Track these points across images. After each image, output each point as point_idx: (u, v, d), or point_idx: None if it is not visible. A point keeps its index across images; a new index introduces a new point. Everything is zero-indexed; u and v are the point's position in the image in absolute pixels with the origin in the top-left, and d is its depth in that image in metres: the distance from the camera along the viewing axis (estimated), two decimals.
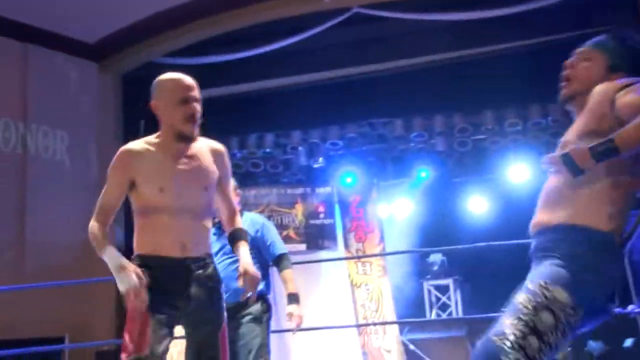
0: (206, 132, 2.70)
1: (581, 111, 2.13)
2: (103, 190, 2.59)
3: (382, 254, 7.73)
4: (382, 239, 7.79)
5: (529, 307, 1.91)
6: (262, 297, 3.76)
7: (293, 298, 3.73)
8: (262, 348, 3.62)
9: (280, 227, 7.26)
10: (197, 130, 2.60)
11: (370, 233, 7.76)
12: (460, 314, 7.75)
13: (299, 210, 7.60)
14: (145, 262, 2.51)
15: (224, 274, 3.72)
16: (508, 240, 4.48)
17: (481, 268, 7.51)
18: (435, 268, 7.96)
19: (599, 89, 2.06)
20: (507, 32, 6.56)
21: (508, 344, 1.87)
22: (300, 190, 7.76)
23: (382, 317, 7.38)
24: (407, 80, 7.07)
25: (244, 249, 2.72)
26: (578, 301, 1.92)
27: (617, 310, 2.14)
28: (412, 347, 7.22)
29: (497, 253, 6.47)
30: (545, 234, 2.08)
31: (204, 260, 2.61)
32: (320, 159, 8.25)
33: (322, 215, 7.65)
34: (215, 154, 2.69)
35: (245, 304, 3.70)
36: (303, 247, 7.47)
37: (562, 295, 1.91)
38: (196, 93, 2.58)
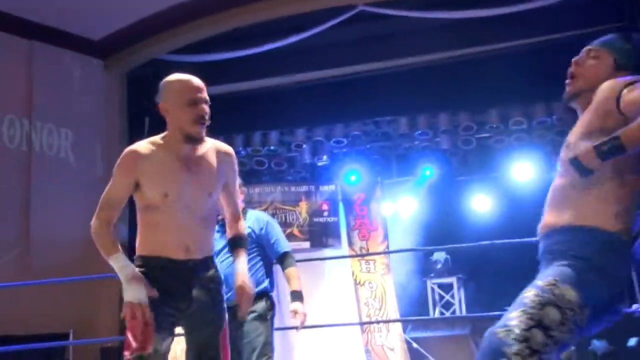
0: (210, 130, 2.68)
1: (586, 109, 2.12)
2: (108, 187, 2.57)
3: (386, 252, 7.73)
4: (385, 237, 7.79)
5: (536, 302, 1.91)
6: (266, 295, 3.76)
7: (297, 296, 3.73)
8: (266, 346, 3.63)
9: (284, 224, 7.26)
10: (204, 132, 2.58)
11: (374, 231, 7.76)
12: (464, 313, 7.74)
13: (303, 208, 7.61)
14: (148, 263, 2.51)
15: (228, 271, 3.73)
16: (512, 239, 4.47)
17: (485, 266, 7.50)
18: (439, 266, 7.95)
19: (605, 86, 2.06)
20: (513, 30, 6.56)
21: (512, 335, 1.87)
22: (304, 188, 7.76)
23: (385, 315, 7.38)
24: (411, 78, 7.07)
25: (242, 260, 2.71)
26: (585, 300, 1.91)
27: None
28: (415, 345, 7.21)
29: (501, 252, 6.47)
30: (552, 236, 2.07)
31: (206, 263, 2.61)
32: (325, 157, 8.24)
33: (326, 213, 7.65)
34: (222, 156, 2.66)
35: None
36: (307, 244, 7.47)
37: (570, 293, 1.91)
38: (205, 94, 2.55)
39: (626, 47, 2.19)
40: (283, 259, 3.81)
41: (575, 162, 1.91)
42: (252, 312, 3.68)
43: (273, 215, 6.94)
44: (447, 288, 7.95)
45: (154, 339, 2.40)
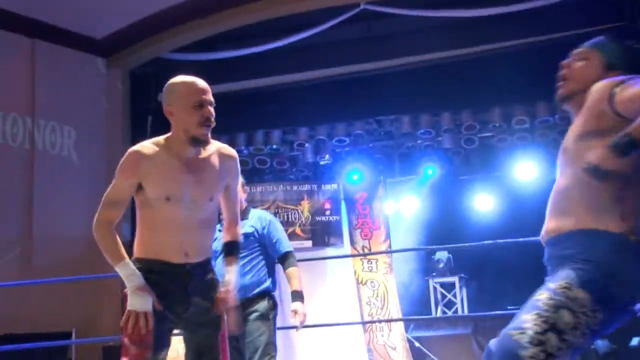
0: (213, 129, 2.66)
1: (579, 111, 2.12)
2: (110, 187, 2.55)
3: (388, 251, 7.73)
4: (388, 236, 7.78)
5: (549, 304, 1.90)
6: (268, 294, 3.76)
7: (297, 295, 3.73)
8: (268, 346, 3.63)
9: (287, 223, 7.26)
10: (210, 134, 2.57)
11: (376, 230, 7.76)
12: (466, 312, 7.74)
13: (305, 206, 7.60)
14: (146, 266, 2.50)
15: None
16: (514, 238, 4.46)
17: (487, 266, 7.50)
18: (441, 265, 7.95)
19: (597, 87, 2.05)
20: (515, 29, 6.56)
21: (526, 338, 1.85)
22: (306, 187, 7.76)
23: (387, 314, 7.38)
24: (414, 77, 7.06)
25: (234, 269, 2.69)
26: (597, 304, 1.90)
27: None
28: (417, 344, 7.21)
29: (503, 251, 6.48)
30: (559, 242, 2.06)
31: (204, 265, 2.60)
32: (327, 156, 8.24)
33: (328, 212, 7.65)
34: (225, 159, 2.63)
35: (252, 301, 3.72)
36: (309, 243, 7.47)
37: (583, 296, 1.90)
38: (210, 96, 2.53)
39: (615, 47, 2.19)
40: (284, 258, 3.81)
41: (592, 169, 1.88)
42: (255, 311, 3.69)
43: (275, 214, 6.94)
44: (449, 287, 7.95)
45: (153, 345, 2.40)
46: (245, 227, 3.85)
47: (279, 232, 3.87)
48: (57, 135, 6.68)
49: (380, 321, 7.35)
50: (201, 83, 2.54)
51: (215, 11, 6.68)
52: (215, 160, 2.59)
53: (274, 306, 3.76)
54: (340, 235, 7.63)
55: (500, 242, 4.66)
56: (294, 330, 6.08)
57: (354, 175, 7.89)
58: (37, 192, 6.39)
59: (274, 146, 8.05)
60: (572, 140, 2.08)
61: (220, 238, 3.87)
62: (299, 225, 7.52)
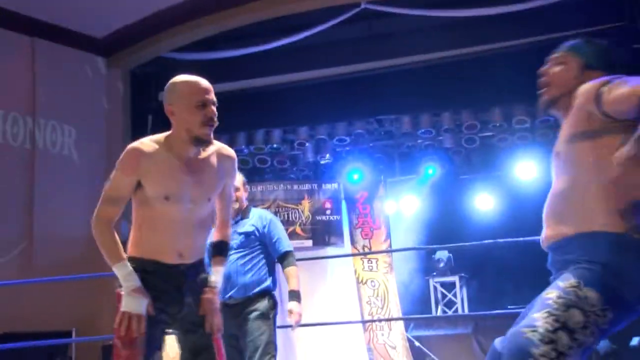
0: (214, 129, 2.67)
1: (567, 113, 2.13)
2: (110, 183, 2.51)
3: (389, 251, 7.73)
4: (388, 236, 7.79)
5: (560, 303, 1.90)
6: (269, 294, 3.77)
7: (294, 295, 3.73)
8: (269, 345, 3.63)
9: (287, 223, 7.26)
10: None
11: (376, 230, 7.76)
12: (466, 311, 7.74)
13: (305, 206, 7.60)
14: (139, 266, 2.47)
15: (232, 268, 3.75)
16: (515, 238, 4.46)
17: (487, 265, 7.50)
18: (442, 265, 7.95)
19: (584, 88, 2.05)
20: (515, 29, 6.56)
21: (538, 336, 1.85)
22: (307, 186, 7.76)
23: (387, 313, 7.38)
24: (414, 77, 7.06)
25: (220, 269, 2.67)
26: (606, 304, 1.90)
27: None
28: (417, 343, 7.21)
29: (503, 250, 6.47)
30: (561, 247, 2.05)
31: (197, 266, 2.58)
32: (328, 155, 8.24)
33: (328, 212, 7.65)
34: (224, 160, 2.60)
35: (252, 300, 3.72)
36: (309, 243, 7.47)
37: (592, 295, 1.90)
38: (212, 96, 2.50)
39: (590, 47, 2.20)
40: (284, 257, 3.82)
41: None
42: (255, 310, 3.69)
43: (275, 213, 6.94)
44: (449, 287, 7.95)
45: (144, 353, 2.38)
46: (246, 225, 3.86)
47: (279, 232, 3.88)
48: (58, 134, 6.68)
49: (380, 320, 7.36)
50: (204, 82, 2.51)
51: (216, 11, 6.68)
52: (214, 160, 2.57)
53: (274, 305, 3.76)
54: (340, 234, 7.63)
55: (500, 242, 4.66)
56: (295, 329, 6.07)
57: (354, 174, 7.90)
58: (38, 191, 6.39)
59: (275, 145, 8.05)
60: (564, 143, 2.09)
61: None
62: (300, 225, 7.52)
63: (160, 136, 2.54)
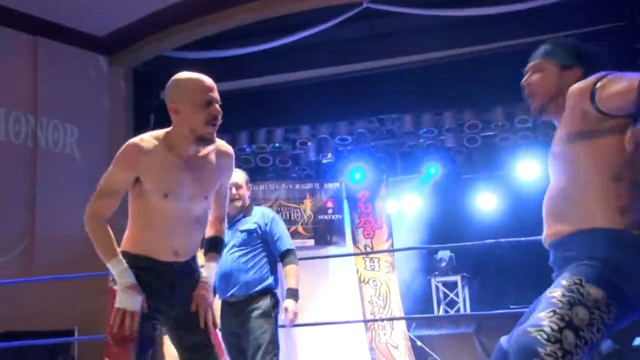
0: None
1: (560, 115, 2.14)
2: (105, 177, 2.48)
3: (391, 250, 7.73)
4: (390, 235, 7.78)
5: (564, 301, 1.90)
6: (271, 292, 3.76)
7: (291, 293, 3.73)
8: (271, 344, 3.63)
9: (289, 222, 7.26)
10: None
11: (378, 229, 7.76)
12: (468, 311, 7.74)
13: (307, 205, 7.60)
14: (132, 261, 2.44)
15: (234, 266, 3.75)
16: (517, 237, 4.45)
17: (489, 265, 7.50)
18: (443, 264, 7.95)
19: (575, 88, 2.07)
20: (517, 28, 6.55)
21: (544, 335, 1.85)
22: (309, 186, 7.76)
23: (389, 313, 7.38)
24: (416, 76, 7.05)
25: (212, 265, 2.64)
26: (611, 299, 1.91)
27: None
28: (419, 343, 7.21)
29: (505, 250, 6.47)
30: (563, 244, 2.06)
31: (190, 264, 2.56)
32: (329, 155, 8.24)
33: (330, 211, 7.65)
34: (223, 157, 2.58)
35: (254, 298, 3.72)
36: (311, 242, 7.47)
37: (596, 292, 1.90)
38: (216, 94, 2.46)
39: (563, 47, 2.23)
40: (284, 256, 3.82)
41: None
42: (257, 309, 3.69)
43: (277, 212, 6.92)
44: (451, 286, 7.95)
45: (135, 350, 2.36)
46: (248, 223, 3.86)
47: (281, 230, 3.88)
48: (60, 133, 6.68)
49: (382, 320, 7.35)
50: (208, 80, 2.47)
51: (218, 9, 6.68)
52: (213, 158, 2.54)
53: (276, 304, 3.76)
54: (342, 234, 7.63)
55: (502, 241, 4.65)
56: (297, 327, 6.07)
57: (356, 174, 7.89)
58: (40, 190, 6.39)
59: (277, 144, 8.05)
60: (560, 144, 2.10)
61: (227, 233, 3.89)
62: (302, 224, 7.52)
63: (161, 132, 2.50)
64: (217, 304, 3.67)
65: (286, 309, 3.68)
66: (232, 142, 7.47)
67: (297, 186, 7.75)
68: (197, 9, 6.63)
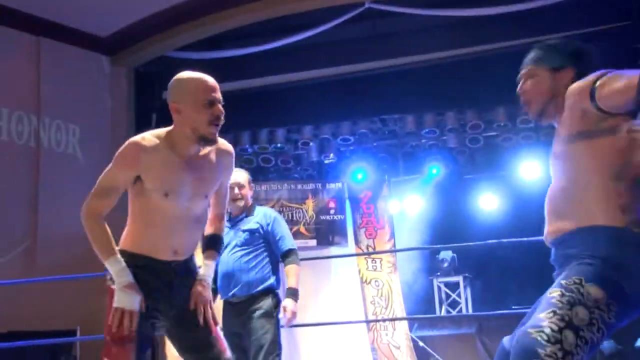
0: None
1: (560, 116, 2.15)
2: (105, 174, 2.46)
3: (393, 251, 7.72)
4: (392, 236, 7.78)
5: (564, 301, 1.91)
6: (272, 292, 3.77)
7: (291, 292, 3.73)
8: (273, 344, 3.63)
9: (291, 222, 7.26)
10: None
11: (380, 229, 7.76)
12: (470, 311, 7.73)
13: (309, 205, 7.60)
14: (130, 260, 2.43)
15: (236, 266, 3.75)
16: (519, 238, 4.45)
17: (491, 265, 7.49)
18: (446, 265, 7.94)
19: (574, 88, 2.08)
20: (520, 28, 6.54)
21: (544, 336, 1.86)
22: (311, 186, 7.76)
23: (391, 313, 7.37)
24: (418, 76, 7.05)
25: (211, 263, 2.63)
26: (611, 298, 1.91)
27: None
28: (421, 343, 7.21)
29: (507, 250, 6.46)
30: (564, 242, 2.07)
31: (188, 262, 2.56)
32: (332, 155, 8.24)
33: (332, 211, 7.65)
34: (223, 155, 2.57)
35: (256, 298, 3.72)
36: (313, 242, 7.47)
37: (596, 291, 1.91)
38: (219, 94, 2.45)
39: (551, 51, 2.25)
40: (286, 255, 3.82)
41: None
42: (259, 309, 3.69)
43: (279, 212, 6.93)
44: (453, 287, 7.94)
45: (134, 350, 2.35)
46: (250, 223, 3.86)
47: (283, 230, 3.88)
48: (62, 133, 6.69)
49: (384, 320, 7.35)
50: (211, 80, 2.46)
51: (220, 10, 6.68)
52: (213, 157, 2.54)
53: (278, 304, 3.75)
54: (344, 234, 7.63)
55: (504, 242, 4.65)
56: (299, 328, 6.08)
57: (358, 174, 7.89)
58: (42, 189, 6.40)
59: (279, 145, 8.05)
60: (561, 144, 2.12)
61: (225, 234, 3.88)
62: (304, 224, 7.52)
63: (162, 131, 2.49)
64: (218, 304, 3.68)
65: (284, 309, 3.68)
66: (234, 142, 7.49)
67: (299, 186, 7.75)
68: (199, 9, 6.63)
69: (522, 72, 2.30)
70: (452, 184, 8.14)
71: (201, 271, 2.61)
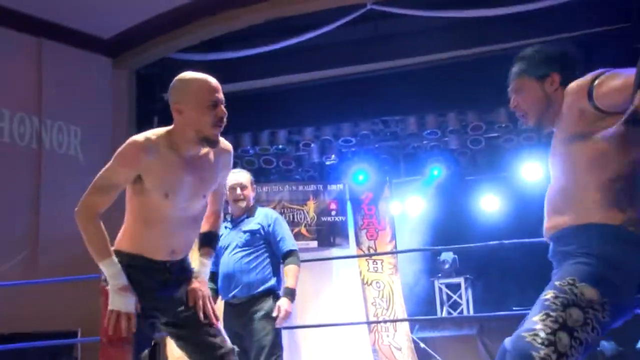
0: None
1: (558, 118, 2.17)
2: (103, 172, 2.41)
3: (394, 252, 7.72)
4: (393, 237, 7.77)
5: (557, 303, 1.91)
6: (273, 293, 3.76)
7: (287, 292, 3.72)
8: (275, 346, 3.63)
9: (292, 223, 7.26)
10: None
11: (381, 231, 7.76)
12: (472, 313, 7.73)
13: (310, 207, 7.60)
14: (125, 259, 2.41)
15: (236, 267, 3.75)
16: (520, 239, 4.45)
17: (493, 267, 7.49)
18: (447, 266, 7.94)
19: (571, 87, 2.10)
20: (521, 29, 6.54)
21: (538, 340, 1.86)
22: (312, 187, 7.76)
23: (393, 314, 7.37)
24: (420, 78, 7.05)
25: (206, 261, 2.63)
26: (605, 297, 1.92)
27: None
28: (422, 345, 7.20)
29: (509, 252, 6.45)
30: (561, 237, 2.09)
31: (182, 262, 2.55)
32: (333, 156, 8.24)
33: (334, 213, 7.65)
34: (222, 154, 2.56)
35: (257, 299, 3.72)
36: (314, 244, 7.47)
37: (589, 291, 1.92)
38: (222, 95, 2.43)
39: (532, 61, 2.27)
40: (286, 256, 3.82)
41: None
42: (260, 310, 3.69)
43: (281, 214, 6.91)
44: (454, 288, 7.94)
45: (131, 352, 2.35)
46: (251, 224, 3.86)
47: (284, 231, 3.88)
48: (64, 134, 6.70)
49: (385, 321, 7.35)
50: (213, 81, 2.43)
51: (222, 11, 6.68)
52: (212, 156, 2.52)
53: None
54: (345, 235, 7.63)
55: (506, 243, 4.64)
56: (300, 329, 6.08)
57: (359, 175, 7.89)
58: (44, 191, 6.41)
59: (280, 146, 8.05)
60: (560, 144, 2.14)
61: (226, 235, 3.89)
62: (305, 226, 7.52)
63: (162, 131, 2.45)
64: (219, 305, 3.68)
65: (278, 308, 3.66)
66: (235, 144, 7.50)
67: (301, 188, 7.75)
68: (201, 11, 6.63)
69: (510, 87, 2.34)
70: (454, 185, 8.14)
71: (197, 268, 2.60)
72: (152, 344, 2.50)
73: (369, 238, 7.73)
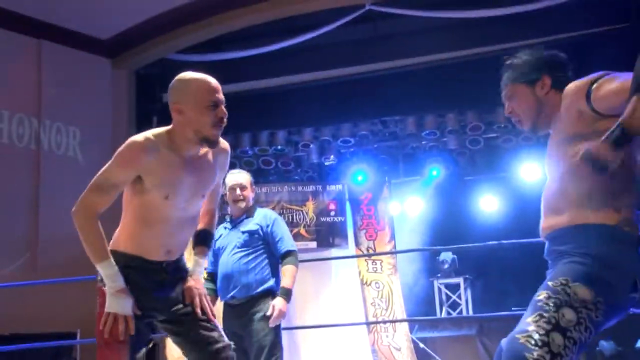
0: None
1: (554, 120, 2.19)
2: (103, 171, 2.38)
3: (393, 252, 7.72)
4: (392, 237, 7.78)
5: (550, 304, 1.92)
6: (272, 294, 3.76)
7: (283, 292, 3.72)
8: (274, 346, 3.63)
9: (291, 224, 7.26)
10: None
11: (381, 231, 7.76)
12: (471, 313, 7.73)
13: (310, 207, 7.61)
14: (122, 260, 2.40)
15: (235, 267, 3.75)
16: (519, 239, 4.45)
17: (492, 267, 7.49)
18: (446, 266, 7.94)
19: (570, 88, 2.11)
20: (520, 30, 6.55)
21: (532, 341, 1.87)
22: (311, 188, 7.77)
23: (392, 315, 7.37)
24: (419, 78, 7.06)
25: (200, 260, 2.63)
26: (599, 296, 1.93)
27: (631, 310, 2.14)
28: (422, 345, 7.20)
29: (508, 252, 6.46)
30: (557, 237, 2.10)
31: (178, 262, 2.55)
32: (332, 157, 8.24)
33: (333, 213, 7.65)
34: (220, 153, 2.55)
35: (256, 300, 3.72)
36: (314, 244, 7.47)
37: (582, 291, 1.92)
38: (222, 95, 2.42)
39: (521, 67, 2.27)
40: (285, 256, 3.82)
41: (590, 160, 1.92)
42: (259, 311, 3.69)
43: (280, 214, 6.92)
44: (454, 288, 7.94)
45: (128, 354, 2.34)
46: (250, 224, 3.86)
47: (283, 231, 3.88)
48: (63, 135, 6.70)
49: (384, 322, 7.35)
50: (213, 81, 2.42)
51: (221, 12, 6.69)
52: (211, 156, 2.52)
53: None
54: (345, 236, 7.63)
55: (505, 243, 4.65)
56: (300, 330, 6.09)
57: (358, 176, 7.89)
58: (43, 192, 6.41)
59: (279, 147, 8.06)
60: (556, 145, 2.15)
61: (226, 235, 3.89)
62: (304, 226, 7.52)
63: (161, 131, 2.43)
64: (219, 306, 3.68)
65: (273, 307, 3.66)
66: (234, 144, 7.50)
67: (300, 188, 7.75)
68: (200, 11, 6.64)
69: (503, 94, 2.34)
70: (453, 185, 8.14)
71: (191, 266, 2.60)
72: (151, 344, 2.48)
73: (368, 238, 7.73)
